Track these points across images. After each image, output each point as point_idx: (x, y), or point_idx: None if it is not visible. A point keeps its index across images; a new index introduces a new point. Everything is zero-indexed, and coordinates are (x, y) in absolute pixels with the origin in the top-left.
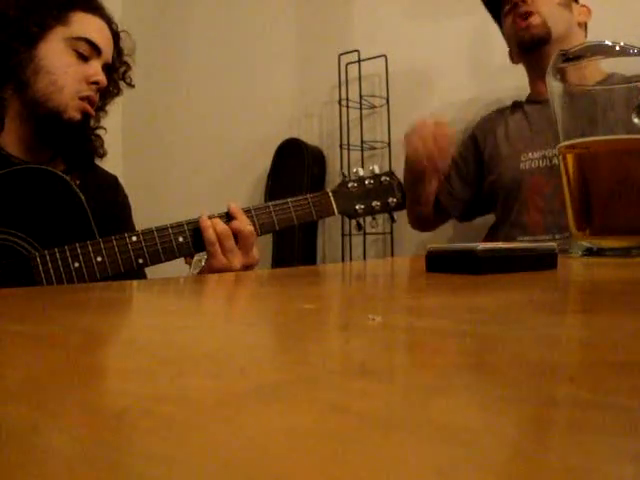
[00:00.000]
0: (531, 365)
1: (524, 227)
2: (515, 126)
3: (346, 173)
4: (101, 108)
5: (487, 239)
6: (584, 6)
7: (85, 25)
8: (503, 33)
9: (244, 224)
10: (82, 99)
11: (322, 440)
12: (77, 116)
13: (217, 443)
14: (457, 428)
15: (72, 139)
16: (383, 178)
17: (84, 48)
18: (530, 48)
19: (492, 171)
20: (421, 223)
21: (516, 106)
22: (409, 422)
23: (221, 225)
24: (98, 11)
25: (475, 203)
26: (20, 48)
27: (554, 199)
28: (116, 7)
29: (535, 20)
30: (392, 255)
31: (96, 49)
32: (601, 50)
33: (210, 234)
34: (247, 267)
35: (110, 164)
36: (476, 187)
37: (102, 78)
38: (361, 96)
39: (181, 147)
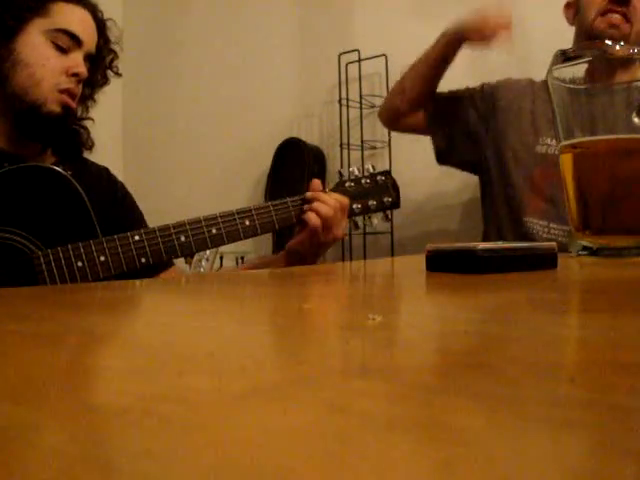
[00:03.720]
0: (531, 365)
1: (524, 209)
2: (543, 106)
3: (343, 172)
4: (89, 97)
5: (485, 222)
6: None
7: (65, 16)
8: None
9: (338, 200)
10: (62, 92)
11: (322, 440)
12: (57, 109)
13: (217, 443)
14: (457, 428)
15: (53, 133)
16: (379, 177)
17: (63, 40)
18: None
19: (504, 143)
20: (398, 110)
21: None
22: (409, 422)
23: (326, 208)
24: (79, 0)
25: (457, 148)
26: None
27: (560, 189)
28: (117, 7)
29: (625, 29)
30: (392, 255)
31: (76, 40)
32: (600, 50)
33: (315, 217)
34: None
35: (110, 164)
36: (467, 136)
37: (82, 70)
38: (361, 96)
39: (181, 147)
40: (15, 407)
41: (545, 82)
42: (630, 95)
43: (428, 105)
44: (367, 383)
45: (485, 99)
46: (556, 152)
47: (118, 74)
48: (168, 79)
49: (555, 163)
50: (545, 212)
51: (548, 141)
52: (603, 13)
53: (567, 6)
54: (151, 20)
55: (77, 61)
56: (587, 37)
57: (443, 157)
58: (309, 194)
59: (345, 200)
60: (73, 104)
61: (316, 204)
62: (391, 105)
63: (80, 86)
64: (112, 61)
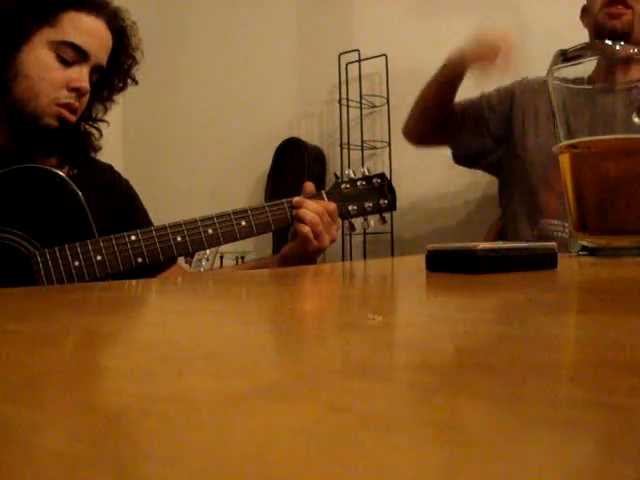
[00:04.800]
0: (531, 365)
1: (542, 210)
2: None
3: (339, 174)
4: (107, 99)
5: (502, 220)
6: None
7: (75, 27)
8: None
9: (323, 205)
10: (60, 106)
11: (322, 440)
12: (53, 123)
13: (217, 443)
14: (457, 428)
15: (49, 145)
16: (375, 180)
17: (68, 53)
18: (604, 37)
19: (522, 143)
20: (420, 133)
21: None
22: (409, 422)
23: (310, 214)
24: (95, 9)
25: (477, 155)
26: (1, 53)
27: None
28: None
29: (626, 16)
30: (392, 255)
31: (82, 54)
32: (601, 50)
33: (305, 227)
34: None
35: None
36: (488, 142)
37: (84, 85)
38: (361, 96)
39: (181, 147)
40: (15, 407)
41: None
42: (630, 95)
43: (446, 122)
44: (367, 383)
45: (502, 102)
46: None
47: (135, 81)
48: (168, 79)
49: None
50: (561, 211)
51: None
52: (606, 5)
53: (583, 12)
54: (151, 19)
55: (80, 75)
56: (595, 34)
57: (469, 164)
58: (295, 200)
59: (332, 205)
60: (72, 117)
61: (301, 211)
62: (411, 129)
63: (84, 100)
64: (130, 67)
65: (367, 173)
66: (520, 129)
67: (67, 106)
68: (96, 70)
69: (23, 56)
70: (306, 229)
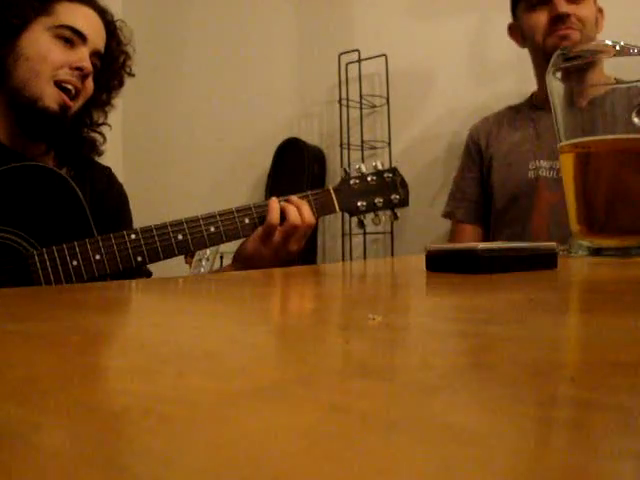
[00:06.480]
0: (531, 365)
1: (528, 238)
2: (522, 132)
3: (348, 170)
4: (107, 102)
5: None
6: (601, 11)
7: (69, 13)
8: (517, 18)
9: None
10: (59, 83)
11: (322, 440)
12: (53, 106)
13: (217, 443)
14: (457, 428)
15: (51, 131)
16: (386, 174)
17: (68, 34)
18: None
19: (495, 176)
20: None
21: (519, 111)
22: (409, 422)
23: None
24: (86, 0)
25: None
26: (2, 40)
27: (561, 211)
28: (116, 7)
29: (575, 36)
30: (392, 255)
31: (80, 36)
32: (601, 50)
33: (274, 217)
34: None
35: (110, 165)
36: (483, 189)
37: (87, 64)
38: (361, 96)
39: (181, 147)
40: (15, 407)
41: (512, 107)
42: (630, 95)
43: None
44: (367, 383)
45: (471, 151)
46: (548, 175)
47: (131, 74)
48: (168, 79)
49: (549, 184)
50: (549, 236)
51: (537, 163)
52: (554, 28)
53: (510, 30)
54: (151, 20)
55: (82, 55)
56: (544, 57)
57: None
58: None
59: (312, 220)
60: (70, 103)
61: (292, 210)
62: None
63: (88, 82)
64: (125, 62)
65: (379, 168)
66: (490, 163)
67: (67, 83)
68: (95, 56)
69: (23, 42)
70: (298, 219)
